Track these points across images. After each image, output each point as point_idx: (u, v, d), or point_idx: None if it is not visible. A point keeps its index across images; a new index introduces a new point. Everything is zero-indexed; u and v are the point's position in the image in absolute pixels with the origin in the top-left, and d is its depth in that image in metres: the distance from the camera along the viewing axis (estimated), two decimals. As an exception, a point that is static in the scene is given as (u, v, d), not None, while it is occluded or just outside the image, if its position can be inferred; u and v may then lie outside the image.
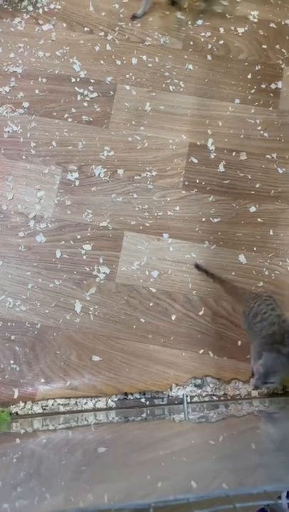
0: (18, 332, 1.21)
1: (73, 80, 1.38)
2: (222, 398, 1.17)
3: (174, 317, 1.23)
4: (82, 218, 1.30)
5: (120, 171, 1.33)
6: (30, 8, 1.44)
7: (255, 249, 1.28)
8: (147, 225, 1.29)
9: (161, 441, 0.92)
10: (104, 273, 1.25)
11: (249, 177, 1.33)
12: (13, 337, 1.20)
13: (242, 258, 1.27)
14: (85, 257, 1.27)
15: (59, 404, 1.16)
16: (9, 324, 1.21)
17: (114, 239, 1.29)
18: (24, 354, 1.19)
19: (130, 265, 1.27)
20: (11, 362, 1.19)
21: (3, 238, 1.27)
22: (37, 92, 1.37)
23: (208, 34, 1.42)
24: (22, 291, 1.24)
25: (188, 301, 1.24)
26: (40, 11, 1.44)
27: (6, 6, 1.44)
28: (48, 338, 1.20)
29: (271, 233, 1.29)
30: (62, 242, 1.28)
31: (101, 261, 1.27)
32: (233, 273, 1.26)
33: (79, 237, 1.28)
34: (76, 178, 1.32)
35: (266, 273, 1.26)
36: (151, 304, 1.24)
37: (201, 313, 1.23)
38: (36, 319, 1.22)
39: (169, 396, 1.17)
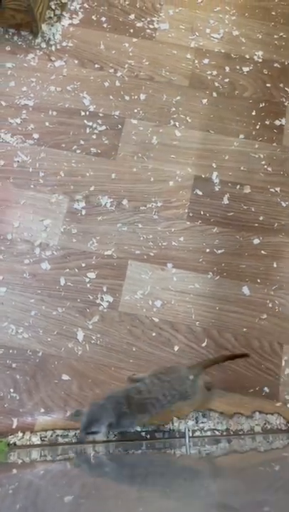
0: (20, 360, 1.20)
1: (83, 113, 1.43)
2: (224, 433, 1.15)
3: (176, 348, 1.22)
4: (88, 247, 1.31)
5: (126, 202, 1.35)
6: (44, 45, 1.51)
7: (258, 281, 1.28)
8: (152, 254, 1.30)
9: (161, 476, 0.90)
10: (107, 301, 1.25)
11: (253, 210, 1.35)
12: (14, 365, 1.19)
13: (245, 290, 1.27)
14: (88, 285, 1.27)
15: (58, 435, 1.14)
16: (11, 352, 1.21)
17: (118, 268, 1.29)
18: (25, 382, 1.18)
19: (134, 294, 1.27)
20: (11, 390, 1.17)
21: (8, 265, 1.28)
22: (47, 124, 1.42)
23: (215, 72, 1.47)
24: (25, 318, 1.24)
25: (191, 332, 1.23)
26: (53, 48, 1.50)
27: (20, 43, 1.51)
28: (50, 366, 1.19)
29: (275, 265, 1.29)
30: (67, 270, 1.29)
31: (105, 289, 1.27)
32: (236, 305, 1.26)
33: (84, 265, 1.29)
34: (83, 207, 1.34)
35: (270, 305, 1.26)
36: (153, 334, 1.23)
37: (203, 344, 1.22)
38: (38, 347, 1.21)
39: (170, 429, 1.15)
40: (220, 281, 1.28)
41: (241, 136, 1.41)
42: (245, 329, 1.24)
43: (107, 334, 1.22)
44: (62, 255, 1.30)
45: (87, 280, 1.28)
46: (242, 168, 1.38)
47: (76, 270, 1.29)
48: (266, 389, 1.19)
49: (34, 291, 1.27)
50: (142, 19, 1.53)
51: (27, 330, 1.23)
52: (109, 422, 0.98)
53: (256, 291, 1.27)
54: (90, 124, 1.42)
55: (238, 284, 1.28)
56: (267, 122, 1.42)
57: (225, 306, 1.26)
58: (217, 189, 1.37)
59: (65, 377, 1.19)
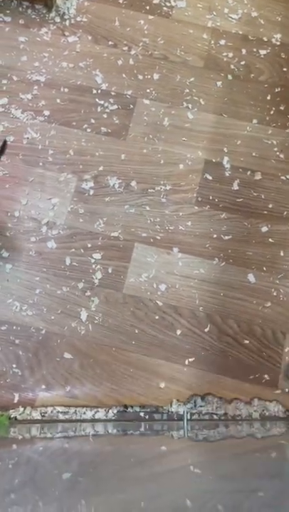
0: (23, 336, 1.21)
1: (94, 91, 1.41)
2: (222, 418, 1.16)
3: (179, 332, 1.22)
4: (94, 227, 1.30)
5: (134, 183, 1.34)
6: (58, 19, 1.48)
7: (264, 269, 1.27)
8: (158, 238, 1.30)
9: (159, 458, 0.91)
10: (112, 283, 1.26)
11: (263, 197, 1.33)
12: (17, 341, 1.21)
13: (251, 277, 1.27)
14: (94, 266, 1.27)
15: (58, 412, 1.16)
16: (14, 328, 1.22)
17: (124, 250, 1.29)
18: (27, 359, 1.19)
19: (138, 277, 1.27)
20: (14, 366, 1.19)
21: (15, 242, 1.28)
22: (58, 101, 1.40)
23: (231, 54, 1.44)
24: (29, 295, 1.25)
25: (195, 317, 1.23)
26: (67, 22, 1.47)
27: (33, 16, 1.48)
28: (52, 344, 1.20)
29: (282, 254, 1.28)
30: (73, 250, 1.29)
31: (110, 271, 1.27)
32: (241, 292, 1.25)
33: (89, 245, 1.29)
34: (91, 187, 1.33)
35: (274, 294, 1.25)
36: (157, 317, 1.23)
37: (206, 330, 1.22)
38: (42, 325, 1.22)
39: (169, 412, 1.16)
40: (225, 268, 1.28)
41: (255, 121, 1.39)
42: (248, 316, 1.24)
43: (110, 315, 1.23)
44: (69, 235, 1.30)
45: (93, 261, 1.28)
46: (254, 153, 1.36)
47: (82, 250, 1.29)
48: (266, 376, 1.19)
49: (39, 269, 1.27)
50: (159, -4, 1.50)
51: (31, 307, 1.23)
52: None
53: (262, 279, 1.26)
54: (102, 102, 1.40)
55: (244, 271, 1.27)
56: (282, 108, 1.39)
57: (229, 292, 1.26)
58: (227, 174, 1.35)
59: (67, 355, 1.20)
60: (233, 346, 1.21)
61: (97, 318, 1.23)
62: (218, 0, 1.49)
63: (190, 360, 1.20)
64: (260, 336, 1.22)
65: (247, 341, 1.22)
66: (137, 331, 1.22)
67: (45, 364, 1.19)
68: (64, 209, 1.32)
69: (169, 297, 1.25)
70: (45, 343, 1.20)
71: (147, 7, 1.48)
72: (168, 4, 1.49)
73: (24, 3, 1.49)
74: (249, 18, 1.48)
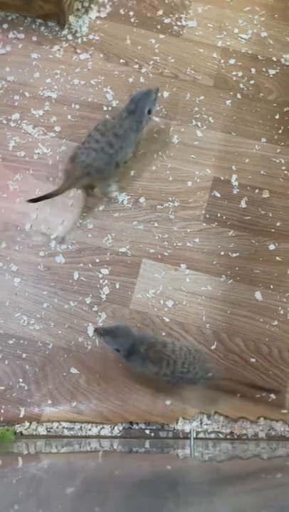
0: (30, 350, 1.22)
1: (105, 108, 1.42)
2: (228, 436, 1.16)
3: (185, 349, 1.22)
4: (103, 243, 1.31)
5: (143, 200, 1.35)
6: (70, 37, 1.50)
7: (271, 287, 1.28)
8: (166, 254, 1.31)
9: (164, 477, 0.91)
10: (119, 298, 1.26)
11: (270, 215, 1.34)
12: (24, 355, 1.21)
13: (258, 295, 1.27)
14: (101, 281, 1.28)
15: (64, 427, 1.16)
16: (21, 342, 1.22)
17: (132, 265, 1.30)
18: (34, 373, 1.19)
19: (146, 293, 1.27)
20: (20, 380, 1.19)
21: (24, 256, 1.29)
22: (69, 117, 1.42)
23: (240, 74, 1.46)
24: (37, 309, 1.25)
25: (201, 334, 1.23)
26: (79, 40, 1.50)
27: (46, 34, 1.51)
28: (59, 359, 1.21)
29: (289, 273, 1.29)
30: (81, 265, 1.30)
31: (117, 286, 1.28)
32: (248, 310, 1.25)
33: (98, 260, 1.30)
34: (100, 203, 1.34)
35: (281, 312, 1.25)
36: (163, 334, 1.24)
37: (213, 347, 1.22)
38: (48, 339, 1.23)
39: (174, 429, 1.16)
40: (233, 285, 1.28)
41: (263, 139, 1.40)
42: (255, 334, 1.24)
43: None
44: (77, 250, 1.31)
45: (100, 276, 1.29)
46: (262, 172, 1.37)
47: (90, 265, 1.29)
48: (272, 395, 1.19)
49: (47, 283, 1.28)
50: (170, 15, 1.52)
51: (38, 322, 1.24)
52: (118, 346, 1.07)
53: (269, 297, 1.27)
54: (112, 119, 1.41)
55: (251, 288, 1.28)
56: (290, 127, 1.41)
57: (236, 310, 1.26)
58: (235, 192, 1.36)
59: (73, 370, 1.20)
60: (240, 364, 1.21)
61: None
62: (228, 20, 1.52)
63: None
64: (266, 354, 1.22)
65: (253, 360, 1.22)
66: (143, 347, 1.22)
67: (51, 379, 1.19)
68: (73, 224, 1.33)
69: (176, 314, 1.26)
70: (51, 358, 1.21)
71: (158, 26, 1.51)
72: (179, 24, 1.51)
73: (37, 20, 1.52)
74: (259, 38, 1.50)
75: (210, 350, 1.22)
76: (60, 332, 1.23)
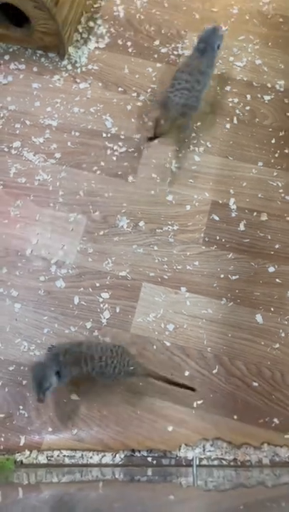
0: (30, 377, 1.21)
1: (104, 135, 1.45)
2: (232, 463, 1.13)
3: (187, 373, 1.21)
4: (103, 267, 1.32)
5: (142, 223, 1.36)
6: (70, 67, 1.55)
7: (272, 309, 1.28)
8: (166, 277, 1.31)
9: (167, 508, 0.89)
10: (120, 323, 1.26)
11: (269, 237, 1.35)
12: (24, 382, 1.20)
13: (259, 318, 1.27)
14: (102, 305, 1.28)
15: (65, 455, 1.14)
16: (22, 368, 1.22)
17: (132, 289, 1.30)
18: (34, 400, 1.18)
19: (146, 316, 1.27)
20: (20, 407, 1.18)
21: (24, 281, 1.30)
22: (69, 144, 1.44)
23: (236, 100, 1.49)
24: (38, 335, 1.25)
25: (203, 358, 1.23)
26: (79, 70, 1.54)
27: (47, 64, 1.55)
28: (59, 386, 1.20)
29: (289, 295, 1.29)
30: (81, 289, 1.30)
31: (118, 310, 1.28)
32: (249, 333, 1.25)
33: (98, 284, 1.30)
34: (100, 227, 1.36)
35: (282, 335, 1.25)
36: (164, 358, 1.23)
37: (214, 371, 1.21)
38: (49, 365, 1.22)
39: (177, 456, 1.14)
40: (233, 308, 1.28)
41: (260, 163, 1.42)
42: (257, 358, 1.23)
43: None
44: (78, 274, 1.31)
45: (101, 300, 1.29)
46: (259, 195, 1.39)
47: (90, 290, 1.30)
48: (276, 420, 1.17)
49: (48, 308, 1.28)
50: (167, 45, 1.57)
51: (39, 347, 1.24)
52: (55, 371, 1.05)
53: (269, 319, 1.26)
54: (111, 145, 1.44)
55: (252, 311, 1.27)
56: (286, 151, 1.43)
57: (237, 333, 1.25)
58: (234, 215, 1.37)
59: (74, 397, 1.19)
60: (242, 389, 1.20)
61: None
62: (223, 49, 1.55)
63: (198, 402, 1.18)
64: (268, 378, 1.21)
65: (256, 384, 1.20)
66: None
67: (51, 406, 1.18)
68: (73, 248, 1.34)
69: (176, 337, 1.25)
70: (52, 384, 1.20)
71: (155, 55, 1.55)
72: (175, 53, 1.55)
73: (38, 51, 1.56)
74: (253, 65, 1.54)
75: (211, 374, 1.21)
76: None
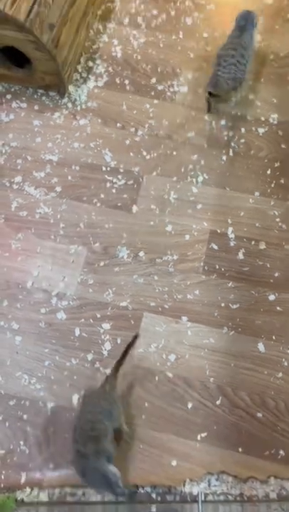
0: (31, 411, 1.19)
1: (104, 168, 1.49)
2: (238, 498, 1.10)
3: (190, 405, 1.20)
4: (103, 297, 1.33)
5: (142, 254, 1.38)
6: (70, 104, 1.60)
7: (274, 338, 1.27)
8: (166, 307, 1.31)
9: None
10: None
11: (268, 266, 1.36)
12: (25, 416, 1.19)
13: (261, 346, 1.26)
14: (103, 337, 1.28)
15: (66, 493, 1.11)
16: (22, 403, 1.20)
17: (133, 319, 1.30)
18: (35, 436, 1.16)
19: (148, 347, 1.27)
20: (21, 443, 1.16)
21: (25, 314, 1.30)
22: (70, 178, 1.48)
23: (231, 133, 1.54)
24: (38, 368, 1.24)
25: (206, 389, 1.21)
26: (78, 107, 1.59)
27: (47, 102, 1.61)
28: (61, 419, 1.18)
29: (290, 323, 1.29)
30: (82, 320, 1.30)
31: (119, 341, 1.27)
32: (251, 362, 1.24)
33: (99, 316, 1.31)
34: (100, 258, 1.37)
35: (285, 364, 1.24)
36: (167, 390, 1.22)
37: (218, 402, 1.20)
38: (50, 398, 1.21)
39: (182, 492, 1.11)
40: (235, 337, 1.28)
41: (257, 193, 1.45)
42: (260, 388, 1.22)
43: (119, 387, 1.21)
44: (78, 305, 1.32)
45: (102, 331, 1.29)
46: (257, 224, 1.41)
47: (91, 321, 1.30)
48: (282, 452, 1.15)
49: (49, 340, 1.28)
50: (163, 82, 1.63)
51: (40, 380, 1.23)
52: (106, 460, 1.00)
53: (271, 348, 1.26)
54: (111, 178, 1.48)
55: (253, 340, 1.27)
56: (282, 181, 1.46)
57: (240, 362, 1.25)
58: (232, 244, 1.39)
59: (76, 431, 1.17)
60: (246, 420, 1.18)
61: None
62: (217, 85, 1.62)
63: (202, 435, 1.16)
64: (273, 408, 1.19)
65: (260, 414, 1.19)
66: (146, 404, 1.20)
67: (53, 441, 1.16)
68: (74, 280, 1.35)
69: (178, 368, 1.24)
70: (53, 419, 1.18)
71: (152, 92, 1.61)
72: (171, 90, 1.61)
73: (39, 90, 1.62)
74: (247, 100, 1.59)
75: (215, 406, 1.20)
76: (61, 391, 1.22)
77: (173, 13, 1.75)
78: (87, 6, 1.62)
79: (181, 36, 1.70)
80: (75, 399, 1.20)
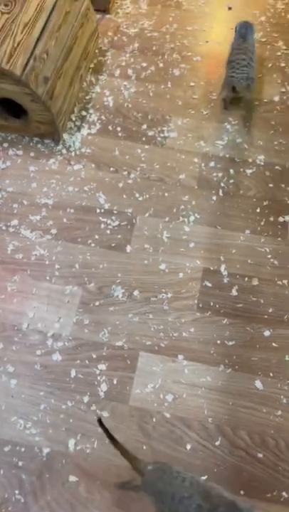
0: (27, 458, 1.16)
1: (98, 210, 1.53)
2: None
3: (188, 447, 1.17)
4: (99, 337, 1.33)
5: (137, 292, 1.39)
6: (64, 151, 1.67)
7: (271, 374, 1.27)
8: (162, 345, 1.31)
9: None
10: (118, 395, 1.24)
11: (262, 301, 1.37)
12: (20, 463, 1.15)
13: (258, 384, 1.25)
14: (99, 378, 1.27)
15: None
16: (17, 448, 1.17)
17: (129, 359, 1.30)
18: (31, 483, 1.12)
19: (144, 387, 1.25)
20: (16, 492, 1.12)
21: (20, 356, 1.29)
22: (65, 220, 1.52)
23: (220, 174, 1.60)
24: (34, 412, 1.22)
25: (204, 429, 1.19)
26: (73, 153, 1.66)
27: (43, 150, 1.67)
28: (57, 466, 1.15)
29: (287, 358, 1.28)
30: (78, 361, 1.29)
31: (115, 382, 1.26)
32: (250, 400, 1.23)
33: (94, 356, 1.30)
34: (95, 298, 1.38)
35: (284, 401, 1.23)
36: (165, 431, 1.19)
37: (217, 443, 1.17)
38: (46, 444, 1.18)
39: None
40: (232, 375, 1.27)
41: (247, 231, 1.49)
42: (260, 427, 1.20)
43: (116, 430, 1.19)
44: (74, 346, 1.31)
45: (98, 372, 1.28)
46: (249, 261, 1.44)
47: (87, 362, 1.29)
48: (284, 494, 1.12)
49: (44, 383, 1.26)
50: (153, 128, 1.71)
51: (35, 425, 1.20)
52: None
53: (269, 385, 1.25)
54: (105, 220, 1.51)
55: (251, 377, 1.26)
56: (271, 219, 1.51)
57: (238, 401, 1.23)
58: (226, 281, 1.41)
59: (72, 478, 1.13)
60: (247, 461, 1.15)
61: (103, 434, 1.18)
62: (205, 130, 1.70)
63: (202, 478, 1.13)
64: (273, 447, 1.17)
65: (260, 455, 1.16)
66: (144, 447, 1.17)
67: (49, 489, 1.12)
68: (69, 320, 1.35)
69: (176, 408, 1.22)
70: (49, 465, 1.15)
71: (143, 138, 1.69)
72: (162, 135, 1.69)
73: (35, 138, 1.69)
74: (234, 143, 1.67)
75: (214, 447, 1.17)
76: (57, 435, 1.19)
77: (161, 64, 1.86)
78: (80, 61, 1.72)
79: (169, 86, 1.80)
80: (71, 443, 1.18)
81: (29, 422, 1.21)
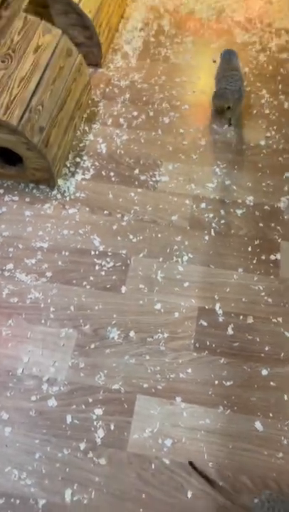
0: (22, 510, 1.11)
1: (93, 252, 1.55)
2: None
3: (190, 494, 1.13)
4: (95, 381, 1.31)
5: (133, 333, 1.39)
6: (59, 196, 1.71)
7: (270, 415, 1.24)
8: (160, 388, 1.29)
9: None
10: (115, 441, 1.21)
11: (258, 340, 1.37)
12: (14, 517, 1.10)
13: (258, 425, 1.23)
14: (95, 423, 1.24)
15: None
16: (12, 501, 1.12)
17: (126, 403, 1.27)
18: (25, 539, 1.07)
19: (142, 432, 1.22)
20: None
21: (15, 402, 1.27)
22: (60, 263, 1.53)
23: (211, 215, 1.64)
24: (29, 461, 1.18)
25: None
26: (67, 198, 1.70)
27: (38, 195, 1.71)
28: (52, 518, 1.10)
29: (286, 398, 1.27)
30: (74, 407, 1.27)
31: (112, 427, 1.23)
32: (250, 442, 1.20)
33: (90, 400, 1.27)
34: (91, 340, 1.37)
35: (284, 442, 1.20)
36: (164, 478, 1.15)
37: (218, 489, 1.13)
38: (41, 495, 1.13)
39: None
40: (231, 416, 1.25)
41: (240, 269, 1.51)
42: (261, 470, 1.16)
43: (114, 479, 1.15)
44: (69, 390, 1.29)
45: (94, 417, 1.25)
46: (243, 299, 1.45)
47: (83, 406, 1.27)
48: None
49: (40, 430, 1.23)
50: (145, 173, 1.76)
51: (30, 475, 1.16)
52: None
53: (269, 426, 1.23)
54: (100, 261, 1.53)
55: (250, 418, 1.24)
56: (263, 257, 1.53)
57: (238, 443, 1.20)
58: (221, 320, 1.41)
59: (69, 531, 1.08)
60: (249, 509, 1.11)
61: (101, 483, 1.14)
62: (195, 173, 1.76)
63: (206, 527, 1.09)
64: (276, 492, 1.13)
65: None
66: (144, 496, 1.13)
67: None
68: (65, 364, 1.33)
69: (175, 453, 1.19)
70: (44, 518, 1.10)
71: (136, 182, 1.74)
72: (153, 179, 1.75)
73: (30, 184, 1.74)
74: (223, 185, 1.72)
75: (216, 493, 1.13)
76: (53, 485, 1.15)
77: (151, 113, 1.95)
78: (74, 111, 1.81)
79: (160, 133, 1.88)
80: (68, 494, 1.13)
81: (24, 472, 1.16)
